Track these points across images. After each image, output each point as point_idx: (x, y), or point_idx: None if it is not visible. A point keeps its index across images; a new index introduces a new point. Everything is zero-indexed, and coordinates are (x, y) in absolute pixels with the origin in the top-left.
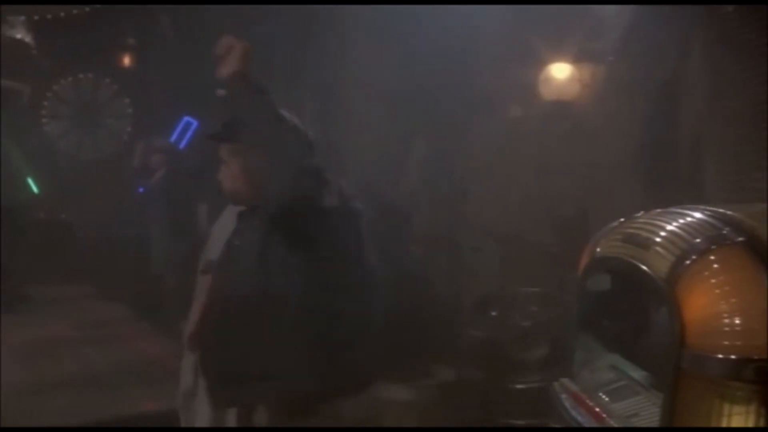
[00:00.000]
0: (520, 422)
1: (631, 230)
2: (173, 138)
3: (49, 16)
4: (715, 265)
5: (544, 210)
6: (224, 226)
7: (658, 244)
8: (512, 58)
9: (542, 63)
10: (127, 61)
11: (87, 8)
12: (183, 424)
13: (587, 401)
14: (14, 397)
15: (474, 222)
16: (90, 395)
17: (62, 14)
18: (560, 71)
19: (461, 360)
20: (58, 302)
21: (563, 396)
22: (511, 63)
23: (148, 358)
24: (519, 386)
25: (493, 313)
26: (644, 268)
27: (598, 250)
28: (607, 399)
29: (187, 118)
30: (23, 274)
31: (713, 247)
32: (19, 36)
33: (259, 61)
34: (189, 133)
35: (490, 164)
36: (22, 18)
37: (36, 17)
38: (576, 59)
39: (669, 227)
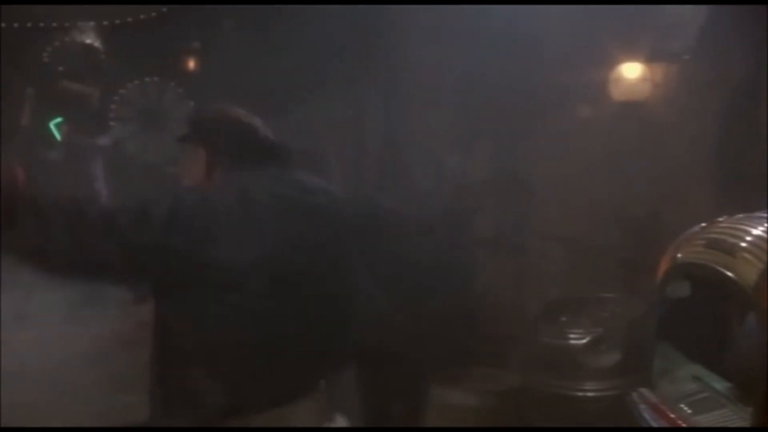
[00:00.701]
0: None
1: (715, 235)
2: None
3: (117, 21)
4: None
5: (613, 213)
6: None
7: (745, 250)
8: (581, 58)
9: (612, 63)
10: (191, 65)
11: (153, 13)
12: None
13: (669, 413)
14: (84, 399)
15: (541, 225)
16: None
17: (130, 19)
18: (631, 71)
19: (528, 366)
20: (124, 302)
21: (642, 407)
22: (579, 63)
23: None
24: (590, 394)
25: (563, 319)
26: (730, 274)
27: (680, 255)
28: (689, 411)
29: None
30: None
31: None
32: (88, 41)
33: (320, 62)
34: None
35: (558, 166)
36: (92, 23)
37: (105, 22)
38: (648, 58)
39: (755, 232)
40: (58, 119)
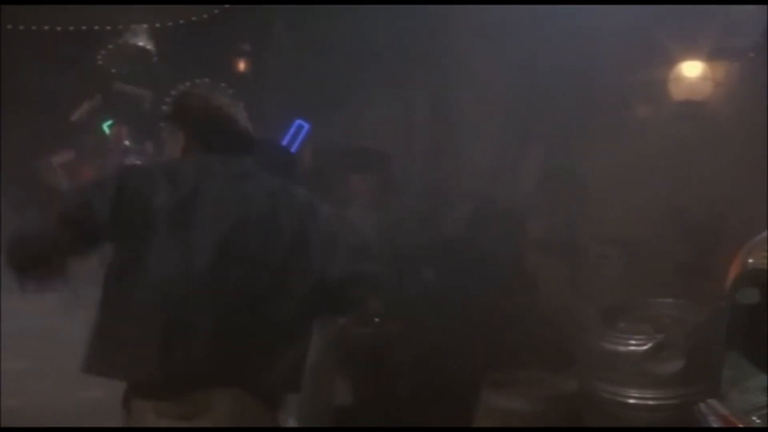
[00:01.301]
0: None
1: None
2: (285, 141)
3: (169, 24)
4: None
5: (673, 215)
6: None
7: None
8: (640, 56)
9: (671, 61)
10: (241, 66)
11: (205, 15)
12: None
13: (740, 425)
14: None
15: (598, 227)
16: None
17: (182, 22)
18: (692, 69)
19: (584, 371)
20: None
21: (711, 418)
22: (638, 61)
23: None
24: (650, 402)
25: (622, 324)
26: None
27: (751, 261)
28: (761, 423)
29: (299, 121)
30: None
31: None
32: (141, 43)
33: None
34: (301, 136)
35: (615, 167)
36: (145, 26)
37: (157, 25)
38: (710, 56)
39: None
40: (110, 121)
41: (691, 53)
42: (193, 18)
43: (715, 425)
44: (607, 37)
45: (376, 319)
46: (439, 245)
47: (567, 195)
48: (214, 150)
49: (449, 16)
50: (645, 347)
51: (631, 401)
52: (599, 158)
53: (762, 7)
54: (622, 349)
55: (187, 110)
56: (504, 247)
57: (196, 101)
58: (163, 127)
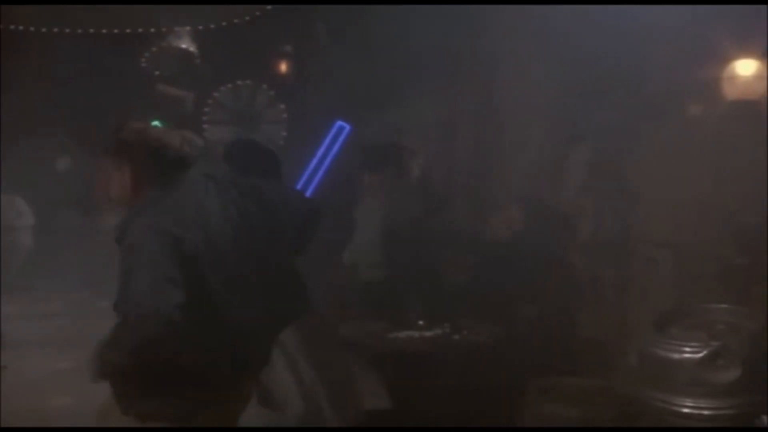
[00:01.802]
0: None
1: None
2: (326, 142)
3: (212, 26)
4: None
5: (724, 218)
6: None
7: None
8: (692, 55)
9: (724, 60)
10: (283, 68)
11: (247, 17)
12: None
13: None
14: None
15: (647, 230)
16: None
17: (224, 24)
18: (745, 68)
19: (635, 378)
20: None
21: None
22: (690, 60)
23: None
24: (705, 412)
25: (674, 330)
26: None
27: None
28: None
29: (339, 123)
30: None
31: None
32: (184, 45)
33: (412, 63)
34: (342, 138)
35: (666, 168)
36: (188, 28)
37: (200, 27)
38: (763, 55)
39: None
40: (154, 122)
41: (744, 51)
42: (236, 20)
43: None
44: (658, 35)
45: (420, 322)
46: (484, 247)
47: (615, 196)
48: (162, 179)
49: (494, 14)
50: (700, 355)
51: (686, 410)
52: (648, 158)
53: None
54: (675, 356)
55: (131, 145)
56: (550, 249)
57: (136, 136)
58: (104, 165)
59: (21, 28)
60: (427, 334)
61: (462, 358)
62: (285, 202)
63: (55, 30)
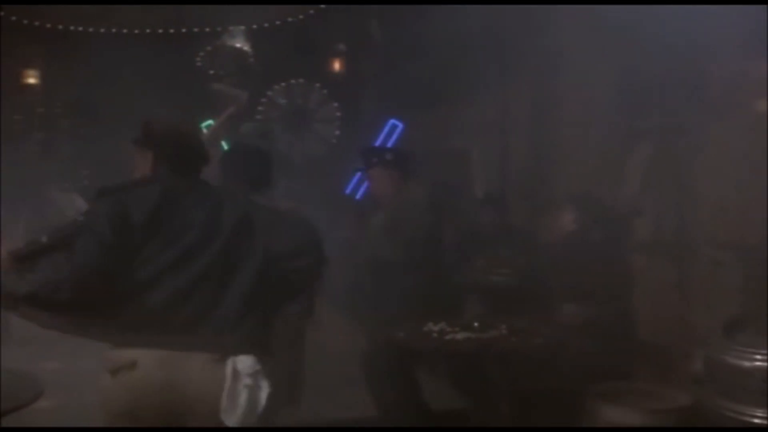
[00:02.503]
0: None
1: None
2: (379, 141)
3: (266, 25)
4: None
5: None
6: None
7: None
8: (755, 50)
9: None
10: (336, 66)
11: (301, 16)
12: None
13: None
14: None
15: (712, 231)
16: None
17: (278, 23)
18: None
19: (700, 386)
20: None
21: None
22: (754, 55)
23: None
24: None
25: (743, 337)
26: None
27: None
28: None
29: (393, 121)
30: None
31: None
32: (238, 45)
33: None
34: (395, 136)
35: (731, 167)
36: (242, 27)
37: (254, 26)
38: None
39: None
40: (209, 121)
41: None
42: (290, 19)
43: None
44: (719, 31)
45: (476, 324)
46: (540, 248)
47: (675, 196)
48: (176, 168)
49: (550, 11)
50: None
51: (756, 420)
52: (711, 157)
53: None
54: (747, 364)
55: (156, 134)
56: (608, 249)
57: (162, 127)
58: (134, 149)
59: (80, 29)
60: (484, 335)
61: (519, 360)
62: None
63: (113, 30)
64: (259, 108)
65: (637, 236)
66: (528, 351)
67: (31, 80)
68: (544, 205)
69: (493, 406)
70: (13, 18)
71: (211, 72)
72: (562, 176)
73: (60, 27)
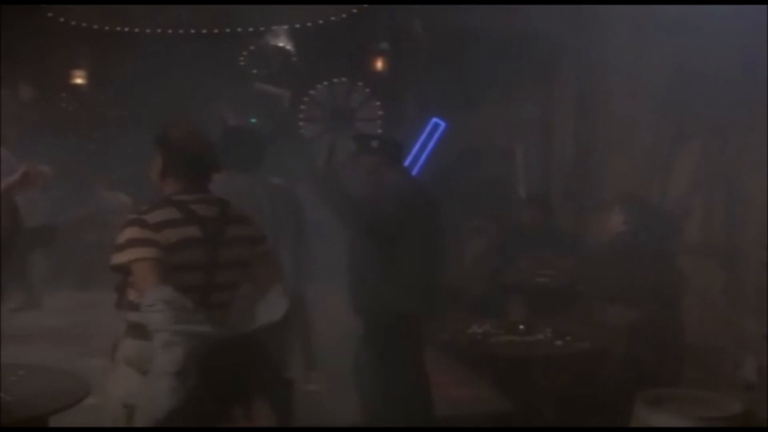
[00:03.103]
0: None
1: None
2: (421, 139)
3: (309, 24)
4: None
5: None
6: None
7: None
8: None
9: None
10: (379, 65)
11: (344, 15)
12: None
13: None
14: None
15: (760, 234)
16: None
17: (321, 22)
18: None
19: (752, 393)
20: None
21: None
22: None
23: None
24: None
25: None
26: None
27: None
28: None
29: (435, 120)
30: None
31: None
32: (281, 44)
33: (510, 60)
34: (437, 135)
35: None
36: (285, 27)
37: (297, 26)
38: None
39: None
40: (252, 120)
41: None
42: (332, 18)
43: None
44: None
45: (521, 326)
46: (586, 249)
47: (724, 197)
48: (186, 174)
49: (597, 10)
50: None
51: None
52: (760, 158)
53: None
54: None
55: (165, 141)
56: (656, 252)
57: (172, 133)
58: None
59: (126, 29)
60: (529, 338)
61: (564, 364)
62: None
63: (158, 31)
64: (302, 107)
65: (685, 238)
66: (573, 355)
67: (79, 80)
68: (590, 205)
69: (537, 410)
70: (62, 19)
71: (255, 71)
72: (609, 176)
73: (107, 28)
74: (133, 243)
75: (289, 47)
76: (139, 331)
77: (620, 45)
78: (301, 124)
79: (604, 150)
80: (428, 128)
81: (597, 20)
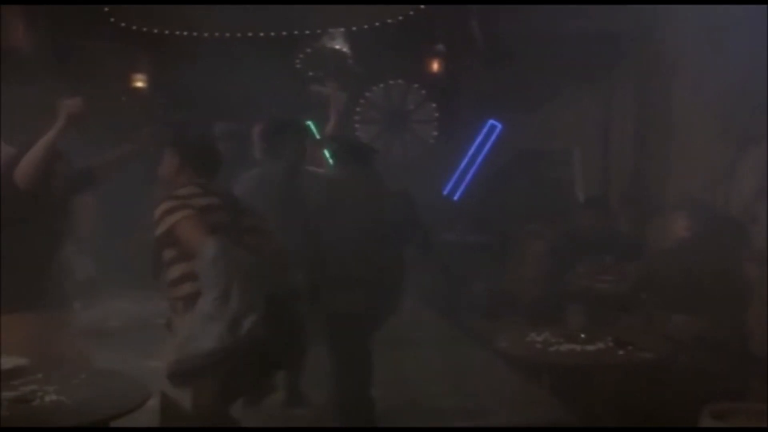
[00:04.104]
0: None
1: None
2: (477, 142)
3: (365, 26)
4: None
5: None
6: None
7: None
8: None
9: None
10: (435, 67)
11: (400, 17)
12: None
13: None
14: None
15: None
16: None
17: (377, 24)
18: None
19: None
20: None
21: None
22: None
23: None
24: None
25: None
26: None
27: None
28: None
29: (491, 121)
30: None
31: None
32: (337, 46)
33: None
34: (493, 137)
35: None
36: (341, 29)
37: (353, 28)
38: None
39: None
40: (309, 122)
41: None
42: (389, 20)
43: None
44: None
45: (582, 335)
46: (648, 256)
47: None
48: (200, 172)
49: (662, 10)
50: None
51: None
52: None
53: None
54: None
55: (182, 140)
56: (721, 259)
57: (190, 132)
58: (164, 151)
59: (185, 33)
60: (589, 348)
61: (626, 374)
62: None
63: (216, 34)
64: (358, 109)
65: (752, 244)
66: (636, 366)
67: (139, 84)
68: (651, 209)
69: (597, 421)
70: (123, 24)
71: (310, 74)
72: (671, 180)
73: (166, 32)
74: (169, 212)
75: (345, 49)
76: (189, 302)
77: (684, 46)
78: (356, 126)
79: (666, 153)
80: (485, 130)
81: (660, 20)
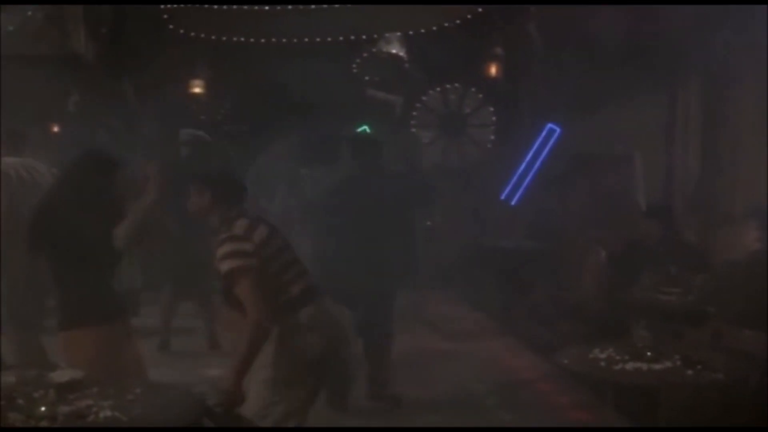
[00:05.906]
0: None
1: None
2: (536, 146)
3: (422, 31)
4: None
5: None
6: None
7: None
8: None
9: None
10: (492, 70)
11: (457, 20)
12: None
13: None
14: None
15: None
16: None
17: (434, 28)
18: None
19: None
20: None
21: None
22: None
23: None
24: None
25: None
26: None
27: None
28: None
29: (550, 125)
30: None
31: None
32: (394, 51)
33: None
34: (552, 141)
35: None
36: (398, 33)
37: (410, 32)
38: None
39: None
40: (364, 126)
41: None
42: (446, 23)
43: None
44: None
45: (649, 353)
46: (717, 268)
47: None
48: (230, 205)
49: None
50: None
51: None
52: None
53: None
54: None
55: (215, 179)
56: None
57: (221, 174)
58: (192, 185)
59: (242, 39)
60: (656, 366)
61: (695, 395)
62: None
63: (273, 40)
64: (414, 113)
65: None
66: (705, 386)
67: (197, 89)
68: (718, 219)
69: None
70: (181, 31)
71: (367, 78)
72: (738, 188)
73: (223, 39)
74: (231, 256)
75: (401, 53)
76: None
77: (751, 48)
78: (413, 130)
79: (733, 159)
80: (543, 134)
81: (725, 22)
